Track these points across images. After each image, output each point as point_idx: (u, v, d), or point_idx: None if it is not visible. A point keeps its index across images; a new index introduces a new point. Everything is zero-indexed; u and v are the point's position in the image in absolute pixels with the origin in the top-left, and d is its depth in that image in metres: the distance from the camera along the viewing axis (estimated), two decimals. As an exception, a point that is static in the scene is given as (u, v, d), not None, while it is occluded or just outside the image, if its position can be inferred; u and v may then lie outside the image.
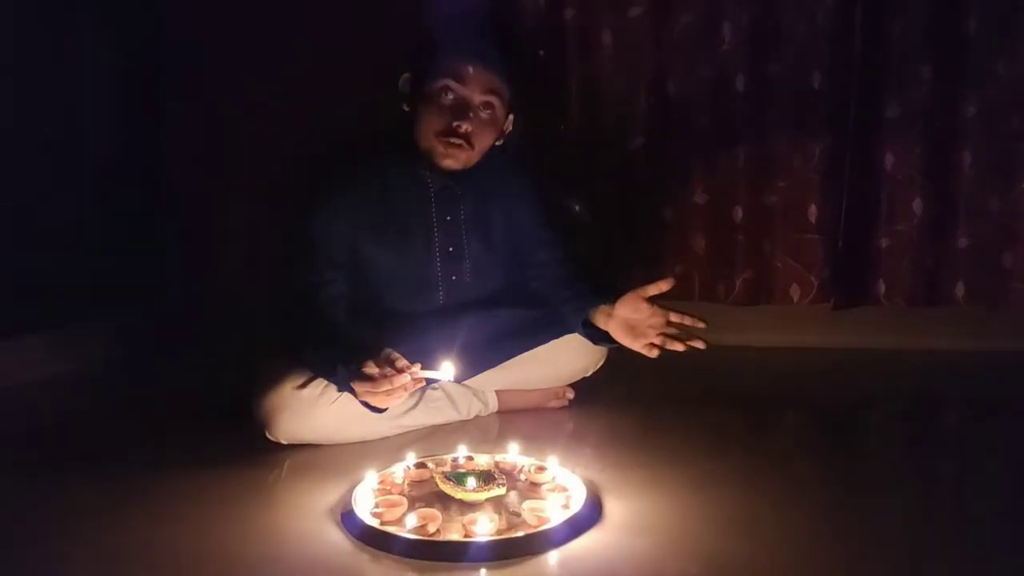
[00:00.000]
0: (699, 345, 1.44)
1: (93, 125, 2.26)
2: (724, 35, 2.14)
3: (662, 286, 1.41)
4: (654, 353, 1.46)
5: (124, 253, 2.33)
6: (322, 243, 1.50)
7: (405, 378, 1.21)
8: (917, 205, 2.14)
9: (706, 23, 2.15)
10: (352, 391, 1.29)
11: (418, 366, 1.23)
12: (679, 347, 1.45)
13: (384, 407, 1.32)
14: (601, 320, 1.53)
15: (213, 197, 2.48)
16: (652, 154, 2.23)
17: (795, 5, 2.10)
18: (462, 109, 1.47)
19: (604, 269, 1.69)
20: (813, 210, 2.18)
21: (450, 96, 1.47)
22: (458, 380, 1.61)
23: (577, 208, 2.14)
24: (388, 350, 1.24)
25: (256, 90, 2.36)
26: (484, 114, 1.49)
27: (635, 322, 1.47)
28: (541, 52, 2.20)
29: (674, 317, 1.44)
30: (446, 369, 1.27)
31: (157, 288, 2.46)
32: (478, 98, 1.48)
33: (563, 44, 2.20)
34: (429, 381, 1.33)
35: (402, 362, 1.22)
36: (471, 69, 1.46)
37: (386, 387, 1.21)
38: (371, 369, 1.22)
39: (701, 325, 1.44)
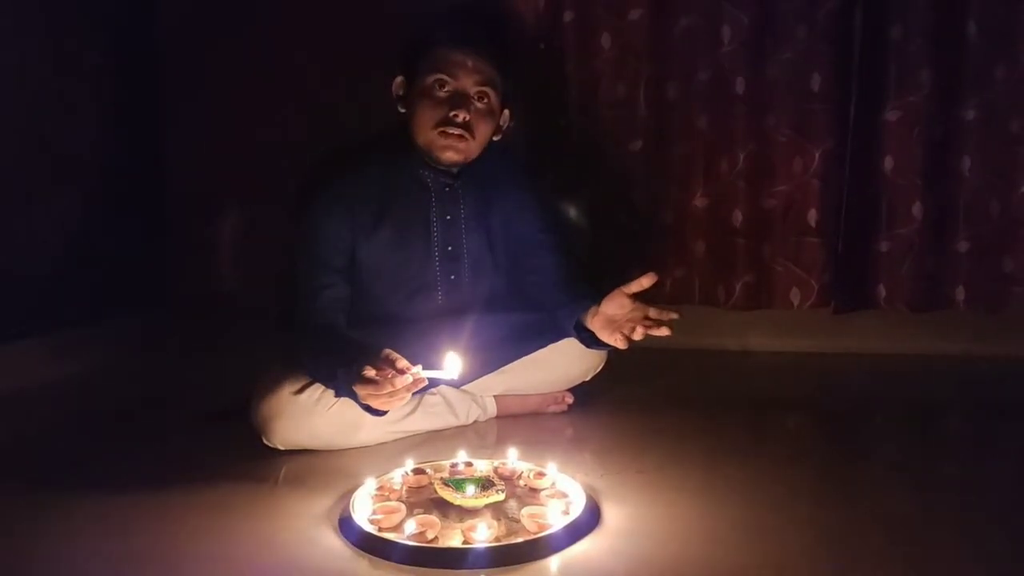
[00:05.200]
0: (663, 332, 1.35)
1: (92, 126, 2.26)
2: (723, 37, 2.14)
3: (644, 282, 1.37)
4: (623, 344, 1.40)
5: (123, 256, 2.32)
6: (321, 247, 1.49)
7: (407, 379, 1.19)
8: (917, 209, 2.14)
9: (705, 25, 2.15)
10: (352, 395, 1.28)
11: (419, 366, 1.21)
12: (640, 335, 1.37)
13: (385, 410, 1.30)
14: (589, 320, 1.48)
15: (212, 199, 2.48)
16: (651, 157, 2.23)
17: (795, 7, 2.10)
18: (458, 99, 1.47)
19: (603, 273, 1.68)
20: (813, 214, 2.17)
21: (445, 88, 1.47)
22: (456, 385, 1.60)
23: (572, 213, 2.13)
24: (387, 351, 1.21)
25: (255, 91, 2.36)
26: (480, 104, 1.49)
27: (616, 317, 1.42)
28: (542, 45, 2.19)
29: (653, 313, 1.37)
30: (450, 367, 1.23)
31: (156, 291, 2.45)
32: (473, 88, 1.48)
33: (562, 46, 2.20)
34: (432, 381, 1.30)
35: (402, 362, 1.19)
36: (463, 60, 1.47)
37: (388, 389, 1.19)
38: (371, 371, 1.20)
39: (673, 315, 1.37)
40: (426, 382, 1.22)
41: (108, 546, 1.12)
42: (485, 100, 1.50)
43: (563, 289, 1.62)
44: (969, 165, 2.10)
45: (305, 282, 1.48)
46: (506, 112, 1.58)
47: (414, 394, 1.28)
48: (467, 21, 1.51)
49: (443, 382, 1.56)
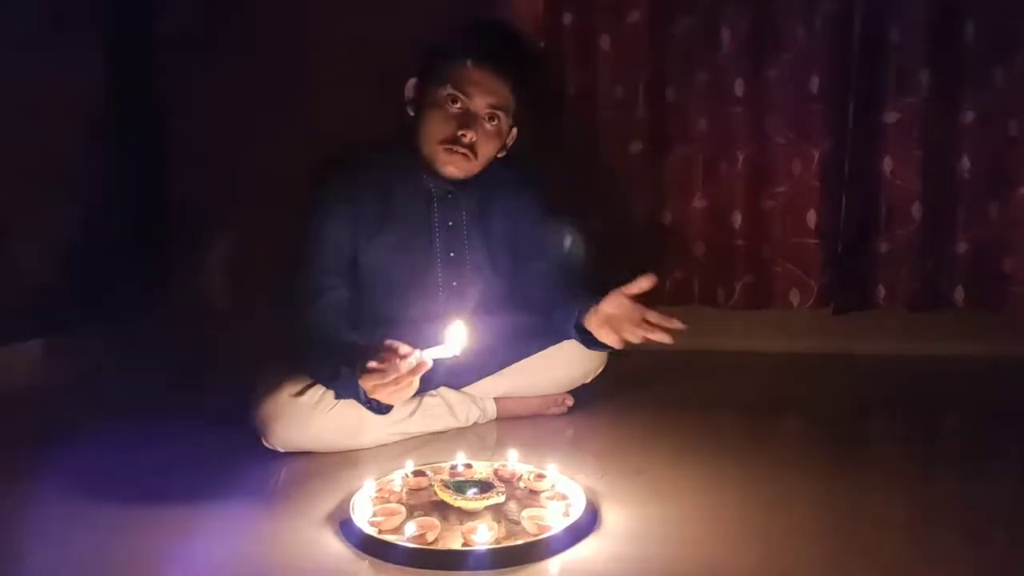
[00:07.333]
0: (661, 338, 1.36)
1: (91, 132, 2.26)
2: (723, 40, 2.14)
3: (643, 284, 1.37)
4: (618, 343, 1.41)
5: (122, 260, 2.32)
6: (323, 250, 1.49)
7: (411, 362, 1.18)
8: (916, 209, 2.14)
9: (705, 28, 2.15)
10: (355, 395, 1.28)
11: (419, 350, 1.20)
12: (637, 338, 1.37)
13: (391, 405, 1.30)
14: (587, 319, 1.48)
15: (212, 204, 2.48)
16: (651, 159, 2.23)
17: (794, 10, 2.10)
18: (468, 118, 1.46)
19: (603, 275, 1.68)
20: (812, 215, 2.17)
21: (457, 105, 1.47)
22: (456, 386, 1.61)
23: (572, 217, 2.13)
24: (388, 341, 1.21)
25: (254, 98, 2.36)
26: (489, 125, 1.49)
27: (614, 317, 1.42)
28: (541, 44, 2.19)
29: (652, 316, 1.38)
30: (451, 342, 1.21)
31: (155, 295, 2.45)
32: (485, 109, 1.47)
33: (561, 49, 2.20)
34: (435, 374, 1.30)
35: (404, 348, 1.19)
36: (480, 79, 1.46)
37: (394, 375, 1.18)
38: (374, 362, 1.20)
39: (679, 326, 1.37)
40: (430, 365, 1.21)
41: (108, 548, 1.12)
42: (495, 121, 1.49)
43: (562, 291, 1.62)
44: (968, 166, 2.10)
45: (306, 284, 1.48)
46: (513, 131, 1.57)
47: (414, 394, 1.28)
48: (490, 41, 1.50)
49: (445, 383, 1.58)
